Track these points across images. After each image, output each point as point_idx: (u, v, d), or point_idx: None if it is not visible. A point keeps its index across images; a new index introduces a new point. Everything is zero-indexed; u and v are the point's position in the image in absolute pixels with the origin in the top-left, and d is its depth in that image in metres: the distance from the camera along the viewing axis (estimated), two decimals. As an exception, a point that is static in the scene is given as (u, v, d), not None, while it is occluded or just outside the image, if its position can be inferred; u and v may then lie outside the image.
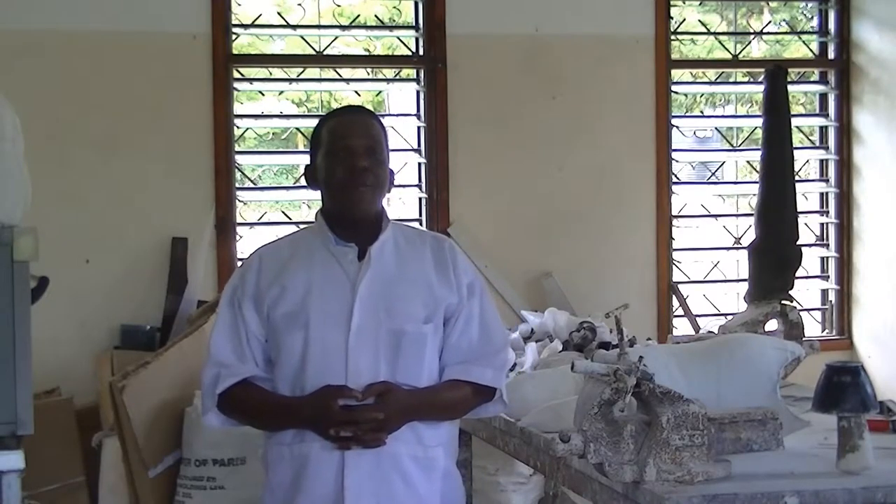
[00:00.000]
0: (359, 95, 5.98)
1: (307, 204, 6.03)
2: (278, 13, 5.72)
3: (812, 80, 6.37)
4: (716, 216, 6.30)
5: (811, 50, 6.36)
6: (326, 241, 2.87)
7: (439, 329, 2.86)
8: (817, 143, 6.35)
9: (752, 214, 5.15)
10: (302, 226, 5.46)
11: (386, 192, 2.90)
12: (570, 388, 3.35)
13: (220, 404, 2.84)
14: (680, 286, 5.96)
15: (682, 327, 5.91)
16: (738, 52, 6.24)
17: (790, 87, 4.91)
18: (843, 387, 2.72)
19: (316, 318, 2.79)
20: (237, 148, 5.54)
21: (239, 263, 5.45)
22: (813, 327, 6.19)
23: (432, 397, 2.84)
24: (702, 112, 7.14)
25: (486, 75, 5.67)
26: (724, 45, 6.27)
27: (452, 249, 2.94)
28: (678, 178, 6.09)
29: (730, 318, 4.76)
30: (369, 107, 5.48)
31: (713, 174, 6.37)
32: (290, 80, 5.79)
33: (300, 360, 2.79)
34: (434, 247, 2.93)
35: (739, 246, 6.08)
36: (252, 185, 5.67)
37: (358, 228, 2.86)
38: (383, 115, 5.35)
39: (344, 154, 2.82)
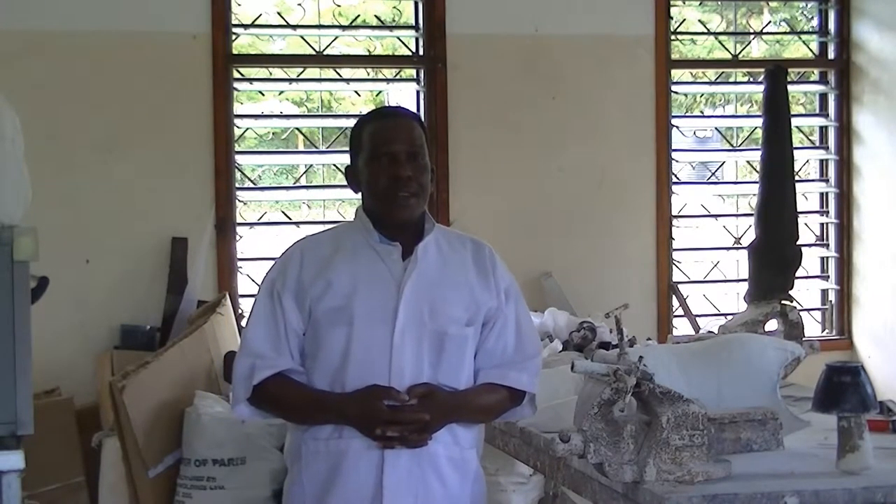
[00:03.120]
0: (359, 95, 5.99)
1: (307, 204, 6.03)
2: (278, 13, 5.72)
3: (812, 80, 6.37)
4: (716, 216, 6.30)
5: (811, 50, 6.36)
6: (370, 238, 2.85)
7: (478, 332, 2.87)
8: (817, 143, 6.35)
9: (752, 214, 5.15)
10: (303, 226, 5.53)
11: (428, 194, 2.89)
12: (570, 388, 3.35)
13: (252, 396, 2.82)
14: (680, 286, 5.96)
15: (682, 327, 5.91)
16: (737, 52, 6.24)
17: (790, 87, 4.91)
18: (843, 387, 2.72)
19: (360, 315, 2.78)
20: (237, 148, 5.54)
21: (239, 263, 5.47)
22: (813, 327, 6.19)
23: (472, 399, 2.85)
24: (702, 112, 7.14)
25: (486, 75, 5.67)
26: (723, 45, 6.27)
27: (492, 254, 2.94)
28: (678, 178, 6.09)
29: (730, 318, 4.76)
30: (370, 106, 5.50)
31: (713, 174, 6.37)
32: (291, 80, 5.79)
33: (342, 356, 2.78)
34: (474, 251, 2.93)
35: (739, 246, 6.08)
36: (252, 185, 5.67)
37: (402, 228, 2.86)
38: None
39: (387, 161, 2.81)
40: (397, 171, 2.79)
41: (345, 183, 3.03)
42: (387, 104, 6.10)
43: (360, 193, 2.90)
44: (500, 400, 2.89)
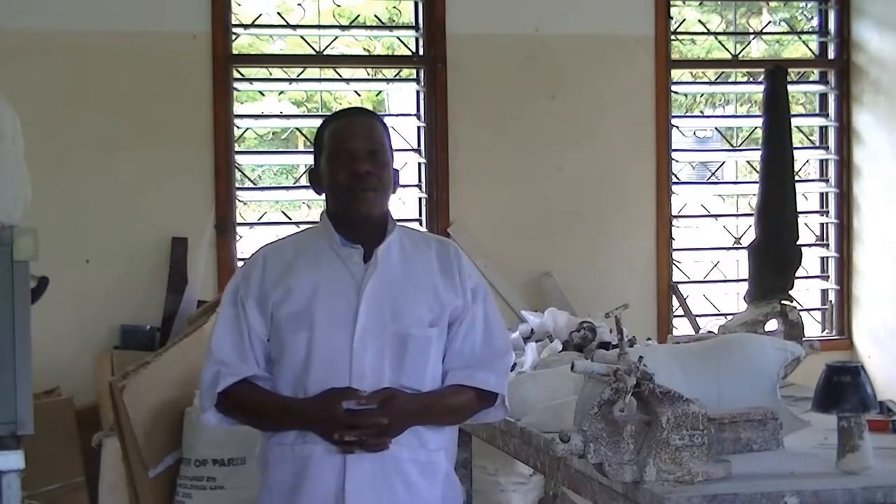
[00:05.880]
0: (359, 95, 5.99)
1: (307, 204, 6.03)
2: (278, 13, 5.72)
3: (812, 80, 6.37)
4: (716, 216, 6.30)
5: (811, 50, 6.36)
6: (332, 242, 2.86)
7: (443, 333, 2.86)
8: (817, 143, 6.35)
9: (752, 214, 5.15)
10: (302, 226, 5.51)
11: (391, 193, 2.89)
12: (570, 388, 3.35)
13: (220, 403, 2.83)
14: (680, 286, 5.96)
15: (682, 327, 5.91)
16: (737, 52, 6.24)
17: (790, 87, 4.91)
18: (843, 387, 2.72)
19: (321, 319, 2.78)
20: (237, 148, 5.54)
21: (239, 263, 5.46)
22: (813, 327, 6.19)
23: (436, 402, 2.83)
24: (702, 112, 7.14)
25: (486, 75, 5.67)
26: (723, 45, 6.28)
27: (457, 253, 2.93)
28: (678, 178, 6.09)
29: (730, 318, 4.76)
30: (369, 106, 5.50)
31: (713, 174, 6.37)
32: (290, 80, 5.79)
33: (304, 361, 2.78)
34: (439, 250, 2.92)
35: (739, 246, 6.08)
36: (252, 185, 5.67)
37: (364, 230, 2.85)
38: (383, 115, 5.35)
39: (346, 158, 2.81)
40: (356, 166, 2.80)
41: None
42: (386, 104, 6.12)
43: (323, 195, 2.91)
44: (467, 401, 2.87)
